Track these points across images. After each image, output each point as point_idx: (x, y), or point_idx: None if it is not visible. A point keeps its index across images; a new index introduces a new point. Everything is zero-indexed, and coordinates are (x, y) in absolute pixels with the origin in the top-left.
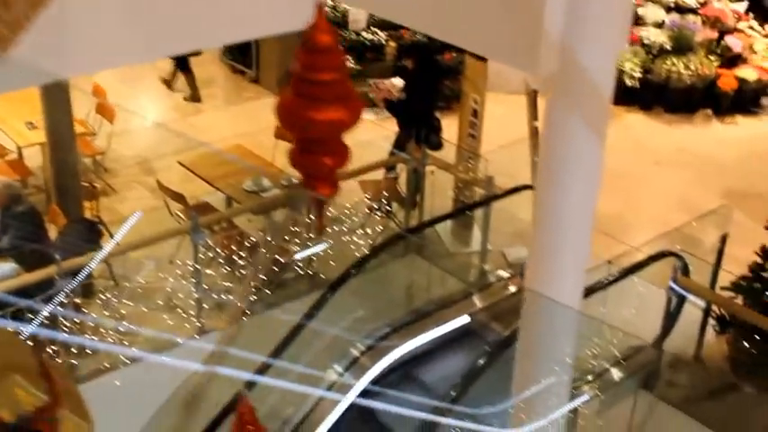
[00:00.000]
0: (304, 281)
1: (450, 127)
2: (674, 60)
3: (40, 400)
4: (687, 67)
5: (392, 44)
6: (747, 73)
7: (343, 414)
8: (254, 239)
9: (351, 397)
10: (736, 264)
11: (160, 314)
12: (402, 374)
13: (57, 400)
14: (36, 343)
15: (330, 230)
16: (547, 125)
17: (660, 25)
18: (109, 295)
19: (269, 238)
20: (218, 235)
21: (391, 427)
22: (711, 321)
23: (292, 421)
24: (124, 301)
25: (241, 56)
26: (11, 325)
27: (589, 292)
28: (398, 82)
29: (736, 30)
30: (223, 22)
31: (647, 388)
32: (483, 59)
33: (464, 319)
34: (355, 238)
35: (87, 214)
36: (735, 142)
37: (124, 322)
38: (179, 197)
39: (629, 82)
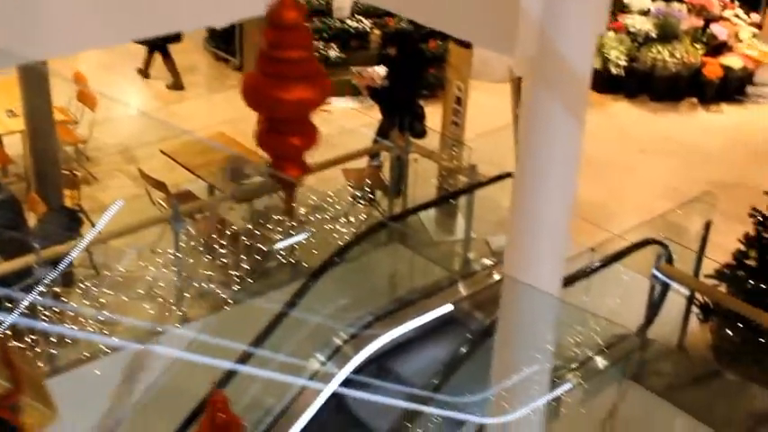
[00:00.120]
0: (286, 270)
1: (434, 115)
2: (660, 48)
3: (2, 387)
4: (672, 56)
5: (377, 32)
6: (733, 61)
7: (318, 409)
8: (235, 228)
9: (333, 386)
10: (722, 251)
11: (141, 303)
12: (382, 364)
13: (19, 388)
14: None
15: (313, 219)
16: (525, 109)
17: (646, 13)
18: (89, 284)
19: (251, 227)
20: (199, 223)
21: (366, 422)
22: (695, 309)
23: (274, 411)
24: (104, 290)
25: (224, 44)
26: None
27: (572, 279)
28: (382, 70)
29: (721, 18)
30: (199, 3)
31: (631, 376)
32: (467, 46)
33: (447, 308)
34: (338, 227)
35: (68, 203)
36: (720, 131)
37: (104, 311)
38: (160, 185)
39: (614, 70)
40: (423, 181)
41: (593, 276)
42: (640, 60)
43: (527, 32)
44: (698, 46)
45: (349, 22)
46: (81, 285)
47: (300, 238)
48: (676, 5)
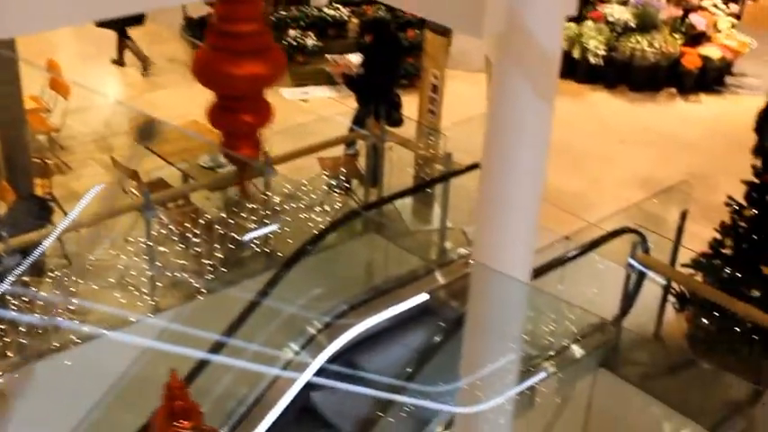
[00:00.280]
0: (261, 259)
1: (411, 104)
2: (639, 38)
3: None
4: (651, 45)
5: (354, 20)
6: (711, 51)
7: (285, 408)
8: (208, 216)
9: (307, 376)
10: (699, 241)
11: (113, 292)
12: (355, 354)
13: None
14: None
15: (288, 207)
16: (494, 91)
17: (625, 3)
18: (60, 273)
19: (224, 215)
20: (172, 211)
21: (329, 418)
22: (671, 299)
23: (247, 401)
24: (75, 279)
25: (201, 32)
26: None
27: (546, 268)
28: (357, 58)
29: (700, 8)
30: None
31: (606, 366)
32: (443, 34)
33: (422, 297)
34: (314, 216)
35: (39, 191)
36: (699, 121)
37: (74, 300)
38: (133, 174)
39: (593, 60)
40: (399, 170)
41: (569, 265)
42: (619, 50)
43: (495, 12)
44: (677, 36)
45: (326, 10)
46: (52, 274)
47: (272, 228)
48: None
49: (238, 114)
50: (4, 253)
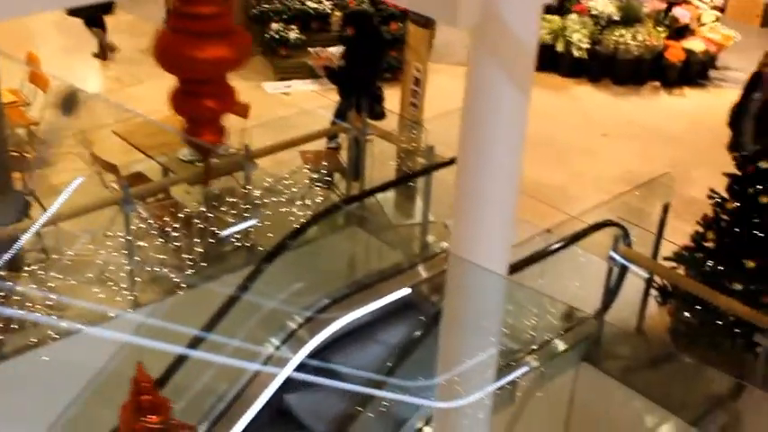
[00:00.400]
0: (241, 253)
1: (394, 97)
2: (623, 32)
3: None
4: (635, 39)
5: (338, 13)
6: (695, 44)
7: (260, 411)
8: (188, 210)
9: (287, 371)
10: (681, 234)
11: (91, 288)
12: (335, 350)
13: None
14: None
15: (269, 201)
16: (469, 82)
17: None
18: (37, 268)
19: (204, 209)
20: (151, 206)
21: (303, 419)
22: (654, 293)
23: (227, 397)
24: (53, 274)
25: None
26: None
27: (527, 262)
28: (339, 50)
29: (684, 1)
30: None
31: (588, 360)
32: (426, 27)
33: (403, 292)
34: (295, 210)
35: (17, 186)
36: (682, 114)
37: (52, 295)
38: (112, 168)
39: (576, 53)
40: (381, 163)
41: (550, 259)
42: (603, 44)
43: (469, 1)
44: (660, 29)
45: (309, 3)
46: (29, 269)
47: (253, 222)
48: None
49: (201, 99)
50: None
